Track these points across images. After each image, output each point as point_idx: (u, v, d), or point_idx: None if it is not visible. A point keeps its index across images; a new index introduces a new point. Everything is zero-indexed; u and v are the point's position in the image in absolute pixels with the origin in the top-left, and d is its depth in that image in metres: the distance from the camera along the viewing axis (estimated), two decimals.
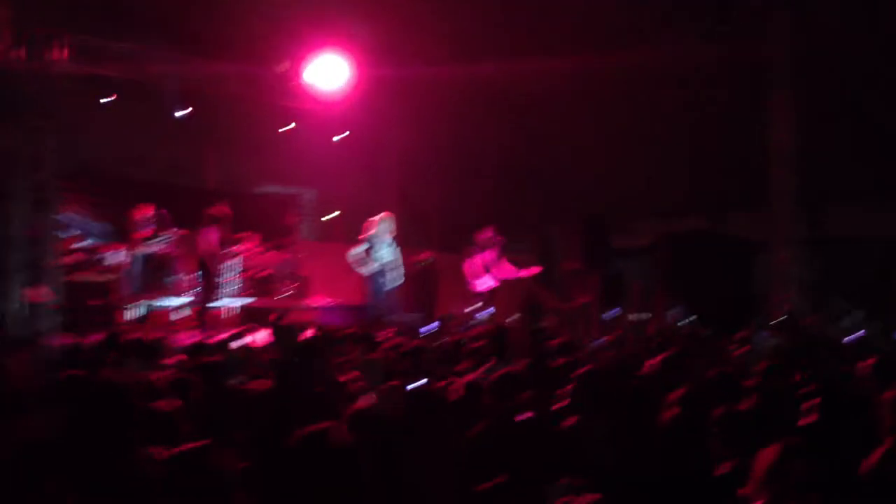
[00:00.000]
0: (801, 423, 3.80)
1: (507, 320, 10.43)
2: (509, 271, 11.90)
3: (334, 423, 2.71)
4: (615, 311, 11.01)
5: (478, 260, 11.84)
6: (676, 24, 11.73)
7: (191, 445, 2.59)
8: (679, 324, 9.26)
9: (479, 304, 11.49)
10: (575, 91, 12.83)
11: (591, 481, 2.93)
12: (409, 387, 4.73)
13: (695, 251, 13.04)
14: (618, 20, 12.12)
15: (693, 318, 9.82)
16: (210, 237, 10.36)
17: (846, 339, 7.44)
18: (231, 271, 11.87)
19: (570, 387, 4.49)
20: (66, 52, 9.99)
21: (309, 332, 7.03)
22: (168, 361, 5.93)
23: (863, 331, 7.95)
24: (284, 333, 6.66)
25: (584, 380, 4.30)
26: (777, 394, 3.98)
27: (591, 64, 11.82)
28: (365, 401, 4.17)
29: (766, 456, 2.89)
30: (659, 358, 5.47)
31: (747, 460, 3.02)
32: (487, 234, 11.90)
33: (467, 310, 10.88)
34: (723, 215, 14.02)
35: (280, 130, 13.43)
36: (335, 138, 13.64)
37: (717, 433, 3.59)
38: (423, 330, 8.45)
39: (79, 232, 11.88)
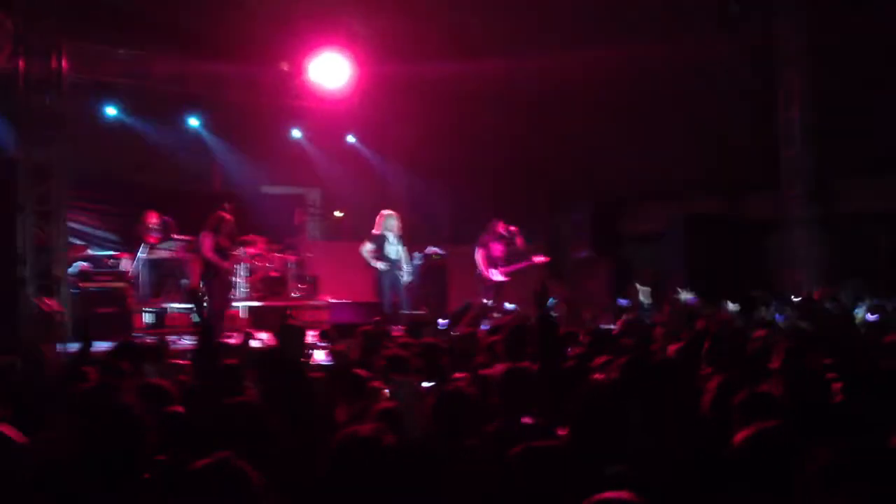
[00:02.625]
0: (830, 403, 3.74)
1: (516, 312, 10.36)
2: (517, 263, 11.91)
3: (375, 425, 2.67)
4: (627, 302, 10.93)
5: (485, 252, 11.82)
6: (685, 7, 11.62)
7: (215, 456, 2.53)
8: (695, 307, 9.16)
9: (493, 295, 11.46)
10: (581, 77, 12.72)
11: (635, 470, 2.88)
12: (424, 385, 4.67)
13: (708, 233, 12.96)
14: (625, 7, 12.01)
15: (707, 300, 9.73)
16: (205, 242, 10.32)
17: (868, 317, 7.35)
18: (238, 274, 11.84)
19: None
20: (68, 60, 9.96)
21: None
22: (182, 365, 5.90)
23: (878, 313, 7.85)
24: (291, 333, 6.55)
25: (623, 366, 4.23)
26: (803, 376, 3.91)
27: (597, 50, 11.72)
28: (386, 400, 4.12)
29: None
30: (680, 344, 5.42)
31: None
32: (497, 225, 11.87)
33: (486, 301, 10.84)
34: (735, 197, 13.94)
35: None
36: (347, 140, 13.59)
37: (740, 418, 3.52)
38: (441, 323, 8.38)
39: (87, 241, 11.89)
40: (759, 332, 6.57)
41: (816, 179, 11.00)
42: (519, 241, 11.87)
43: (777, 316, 8.13)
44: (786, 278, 11.12)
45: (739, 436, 2.86)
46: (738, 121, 12.91)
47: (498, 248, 11.89)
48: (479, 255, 11.84)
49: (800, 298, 9.43)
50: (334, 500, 2.56)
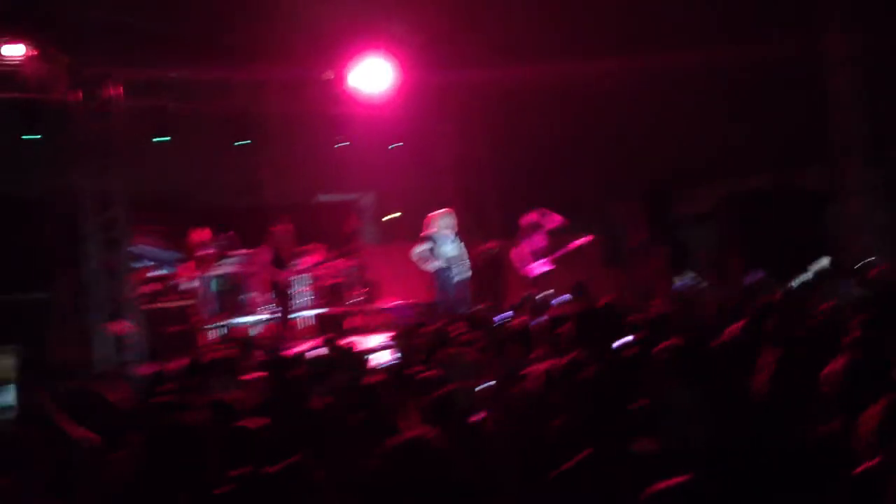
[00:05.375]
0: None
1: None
2: (560, 249, 11.72)
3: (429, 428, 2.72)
4: (684, 282, 10.75)
5: (524, 246, 11.69)
6: None
7: (286, 462, 2.62)
8: (756, 285, 8.98)
9: (541, 288, 11.34)
10: (630, 70, 12.57)
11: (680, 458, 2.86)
12: (478, 388, 4.68)
13: (763, 209, 12.70)
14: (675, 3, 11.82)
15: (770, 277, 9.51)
16: (262, 257, 10.55)
17: None
18: (300, 283, 12.03)
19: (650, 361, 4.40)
20: (120, 87, 10.25)
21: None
22: (249, 378, 6.02)
23: None
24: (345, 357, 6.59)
25: (666, 352, 4.20)
26: (882, 346, 3.78)
27: (644, 44, 11.54)
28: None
29: (872, 414, 2.77)
30: (740, 323, 5.32)
31: (856, 418, 2.89)
32: (531, 218, 11.72)
33: (540, 295, 10.78)
34: (787, 170, 13.62)
35: (336, 146, 13.55)
36: (390, 147, 13.71)
37: (824, 393, 3.44)
38: (497, 319, 8.40)
39: (151, 262, 12.21)
40: (825, 306, 6.42)
41: (873, 145, 10.67)
42: (552, 223, 11.69)
43: (843, 287, 7.93)
44: (848, 248, 10.82)
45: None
46: (784, 91, 12.59)
47: (540, 239, 11.74)
48: (518, 252, 11.68)
49: (859, 267, 9.15)
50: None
